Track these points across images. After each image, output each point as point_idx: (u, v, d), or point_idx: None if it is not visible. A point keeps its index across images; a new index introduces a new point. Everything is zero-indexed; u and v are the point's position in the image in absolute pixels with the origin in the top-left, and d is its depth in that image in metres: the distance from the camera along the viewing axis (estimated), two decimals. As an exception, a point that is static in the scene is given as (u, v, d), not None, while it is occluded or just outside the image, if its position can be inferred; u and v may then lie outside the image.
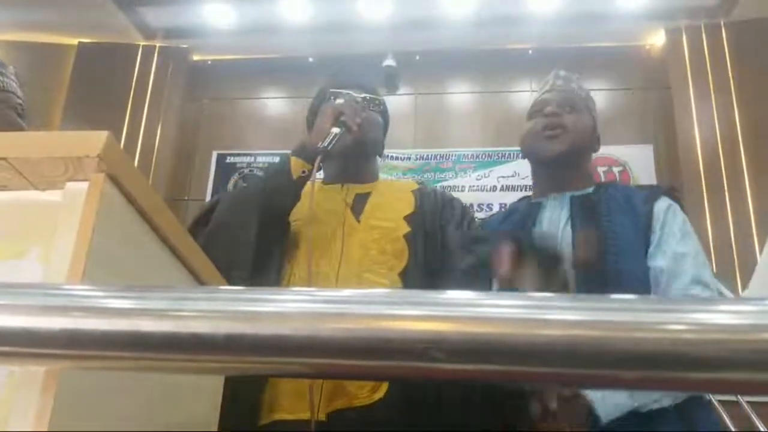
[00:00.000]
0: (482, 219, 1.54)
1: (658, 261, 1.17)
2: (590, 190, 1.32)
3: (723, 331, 0.32)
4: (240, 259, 1.09)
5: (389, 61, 4.61)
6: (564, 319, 0.33)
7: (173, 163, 4.70)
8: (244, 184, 1.24)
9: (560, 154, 1.30)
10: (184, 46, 4.90)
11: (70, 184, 0.53)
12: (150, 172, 4.46)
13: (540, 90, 1.44)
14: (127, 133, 4.55)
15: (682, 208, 1.28)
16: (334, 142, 1.15)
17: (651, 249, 1.20)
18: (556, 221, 1.28)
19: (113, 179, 0.54)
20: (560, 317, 0.34)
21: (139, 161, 4.43)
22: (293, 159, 1.17)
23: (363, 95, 1.32)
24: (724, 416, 2.45)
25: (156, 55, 4.80)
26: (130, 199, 0.58)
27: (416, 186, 1.32)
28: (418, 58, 4.78)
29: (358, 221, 1.19)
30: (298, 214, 1.19)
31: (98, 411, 0.53)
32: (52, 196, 0.55)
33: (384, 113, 1.38)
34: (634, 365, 0.32)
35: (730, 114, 4.25)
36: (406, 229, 1.17)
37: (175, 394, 0.72)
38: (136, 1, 4.47)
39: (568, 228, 1.25)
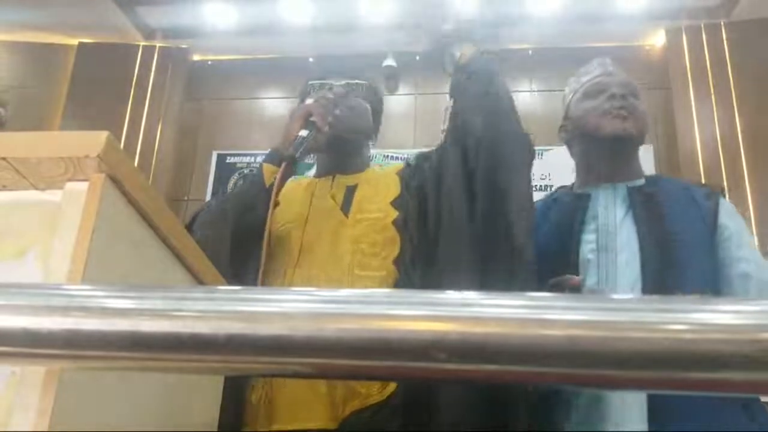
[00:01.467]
0: None
1: (742, 265, 1.15)
2: (643, 181, 1.27)
3: (724, 331, 0.31)
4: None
5: (389, 61, 4.61)
6: (565, 319, 0.33)
7: (173, 163, 4.69)
8: (223, 195, 1.18)
9: (630, 135, 1.25)
10: (184, 46, 4.89)
11: (70, 184, 0.53)
12: (150, 172, 4.46)
13: (588, 74, 1.37)
14: (127, 133, 4.55)
15: None
16: (302, 147, 1.12)
17: (730, 250, 1.16)
18: (612, 213, 1.22)
19: (113, 179, 0.54)
20: (561, 317, 0.34)
21: (139, 161, 4.43)
22: (265, 166, 1.15)
23: (343, 82, 1.27)
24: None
25: (156, 55, 4.80)
26: (130, 199, 0.58)
27: (401, 166, 1.25)
28: (418, 58, 4.77)
29: (347, 217, 1.16)
30: (289, 216, 1.17)
31: (98, 411, 0.53)
32: (52, 196, 0.55)
33: (371, 97, 1.32)
34: (635, 365, 0.32)
35: (730, 114, 4.24)
36: (393, 214, 1.13)
37: (175, 394, 0.72)
38: (136, 1, 4.46)
39: (628, 221, 1.19)
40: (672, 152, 4.39)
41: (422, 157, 1.24)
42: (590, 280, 1.17)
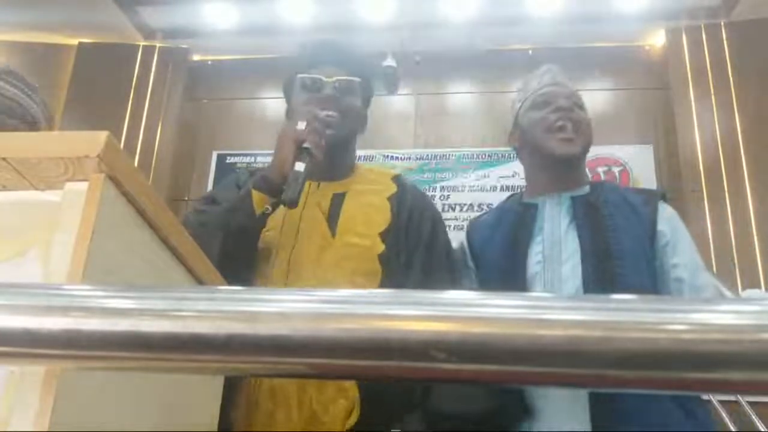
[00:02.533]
0: (473, 219, 1.47)
1: (677, 271, 1.16)
2: (587, 189, 1.29)
3: (723, 331, 0.32)
4: None
5: (389, 61, 4.61)
6: (564, 319, 0.33)
7: (173, 163, 4.69)
8: (205, 212, 1.08)
9: (574, 155, 1.27)
10: (184, 46, 4.90)
11: (70, 184, 0.53)
12: (150, 172, 4.46)
13: (536, 80, 1.37)
14: (127, 133, 4.55)
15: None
16: (299, 187, 1.02)
17: (666, 256, 1.17)
18: (557, 223, 1.24)
19: (113, 179, 0.54)
20: (561, 317, 0.34)
21: (139, 161, 4.43)
22: (255, 193, 1.08)
23: (336, 78, 1.19)
24: (724, 416, 2.46)
25: (156, 55, 4.80)
26: (130, 199, 0.58)
27: (394, 189, 1.22)
28: (418, 58, 4.77)
29: (333, 235, 1.12)
30: (272, 223, 1.12)
31: (98, 411, 0.53)
32: (52, 196, 0.55)
33: (363, 91, 1.26)
34: (634, 365, 0.32)
35: (730, 114, 4.25)
36: (380, 248, 1.11)
37: (175, 394, 0.72)
38: (136, 1, 4.47)
39: (572, 231, 1.22)
40: (672, 152, 4.39)
41: (416, 203, 1.23)
42: (536, 292, 1.18)
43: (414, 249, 1.15)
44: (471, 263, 1.34)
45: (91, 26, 4.64)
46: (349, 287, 1.03)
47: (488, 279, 1.27)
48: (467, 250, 1.36)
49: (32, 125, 1.44)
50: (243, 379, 1.02)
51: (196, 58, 5.03)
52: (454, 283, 1.17)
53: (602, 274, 1.14)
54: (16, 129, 1.38)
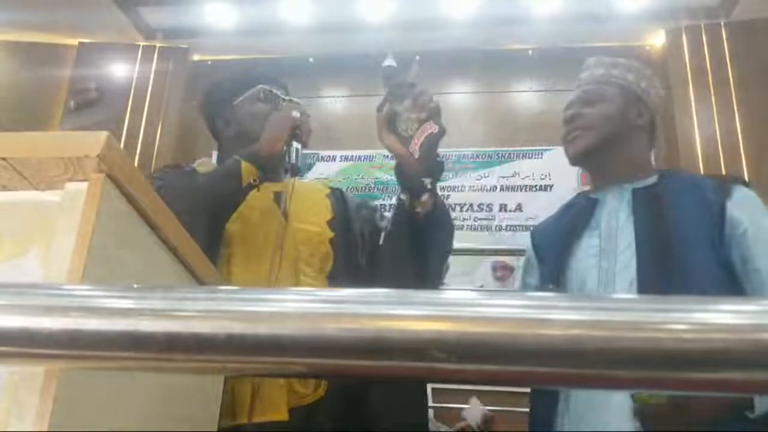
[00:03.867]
0: (540, 221, 1.47)
1: (759, 262, 1.09)
2: (653, 179, 1.25)
3: (724, 330, 0.31)
4: None
5: (389, 61, 4.60)
6: (565, 319, 0.33)
7: (173, 163, 4.69)
8: (187, 180, 1.19)
9: (579, 154, 1.28)
10: (184, 46, 4.89)
11: (70, 184, 0.53)
12: (150, 172, 4.46)
13: (580, 78, 1.41)
14: (127, 133, 4.55)
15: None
16: (299, 158, 1.17)
17: (743, 246, 1.10)
18: (614, 217, 1.22)
19: (113, 179, 0.54)
20: (561, 317, 0.34)
21: (139, 161, 4.43)
22: (244, 164, 1.15)
23: (288, 98, 1.35)
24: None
25: (156, 55, 4.80)
26: (130, 199, 0.58)
27: (328, 189, 1.37)
28: (418, 58, 4.77)
29: (286, 221, 1.21)
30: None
31: (98, 411, 0.53)
32: (52, 196, 0.55)
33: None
34: (635, 365, 0.32)
35: (730, 114, 4.25)
36: (330, 234, 1.24)
37: (175, 394, 0.72)
38: (136, 1, 4.46)
39: (630, 223, 1.19)
40: (672, 152, 4.39)
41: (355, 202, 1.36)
42: (591, 284, 1.18)
43: (359, 235, 1.28)
44: (534, 260, 1.36)
45: (91, 26, 4.63)
46: (307, 268, 1.17)
47: (546, 272, 1.27)
48: (530, 249, 1.38)
49: None
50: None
51: (196, 58, 5.03)
52: (390, 268, 1.23)
53: (659, 265, 1.11)
54: None
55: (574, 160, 1.31)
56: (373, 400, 1.09)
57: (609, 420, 1.08)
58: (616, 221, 1.22)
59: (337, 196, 1.35)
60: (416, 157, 1.09)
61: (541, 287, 1.28)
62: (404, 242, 1.15)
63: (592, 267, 1.19)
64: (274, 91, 1.35)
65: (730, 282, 1.09)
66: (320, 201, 1.31)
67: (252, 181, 1.14)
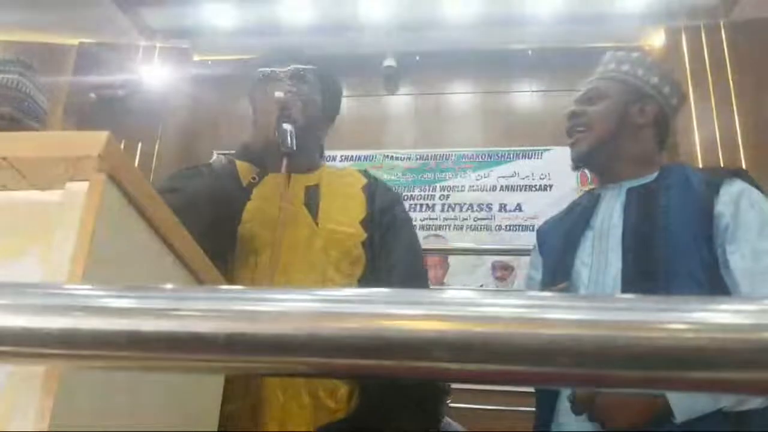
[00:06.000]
0: (548, 218, 1.47)
1: (738, 261, 1.05)
2: (652, 177, 1.23)
3: (724, 330, 0.31)
4: None
5: (389, 62, 4.60)
6: (565, 319, 0.33)
7: (173, 163, 4.69)
8: (184, 187, 1.09)
9: (581, 155, 1.29)
10: (185, 46, 4.89)
11: (70, 184, 0.53)
12: (150, 172, 4.46)
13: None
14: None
15: (760, 189, 1.13)
16: (293, 140, 1.07)
17: (727, 244, 1.07)
18: (608, 214, 1.22)
19: (113, 179, 0.54)
20: (562, 317, 0.34)
21: (139, 161, 4.43)
22: (240, 164, 1.09)
23: (287, 68, 1.21)
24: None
25: (156, 55, 4.80)
26: (130, 199, 0.58)
27: (364, 181, 1.25)
28: (418, 58, 4.77)
29: (316, 223, 1.14)
30: (248, 215, 1.13)
31: (98, 411, 0.53)
32: (52, 196, 0.55)
33: (321, 81, 1.26)
34: (635, 365, 0.32)
35: (729, 114, 4.25)
36: (363, 235, 1.15)
37: (175, 394, 0.72)
38: (136, 1, 4.46)
39: (621, 221, 1.18)
40: (672, 152, 4.39)
41: (388, 194, 1.26)
42: (583, 283, 1.18)
43: (387, 237, 1.18)
44: (539, 257, 1.37)
45: (91, 26, 4.63)
46: (336, 274, 1.10)
47: (551, 269, 1.28)
48: (536, 245, 1.40)
49: (44, 121, 1.43)
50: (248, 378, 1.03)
51: (196, 58, 5.03)
52: (421, 273, 1.20)
53: (643, 262, 1.10)
54: (32, 129, 1.37)
55: (577, 163, 1.32)
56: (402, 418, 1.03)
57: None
58: (609, 221, 1.22)
59: (373, 188, 1.24)
60: None
61: (543, 283, 1.29)
62: None
63: (587, 266, 1.19)
64: (270, 69, 1.22)
65: (717, 284, 1.07)
66: (354, 196, 1.21)
67: (252, 179, 1.09)
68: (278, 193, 1.14)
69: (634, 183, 1.25)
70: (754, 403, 0.98)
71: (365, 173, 1.29)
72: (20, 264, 0.52)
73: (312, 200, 1.17)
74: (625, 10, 4.37)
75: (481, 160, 4.51)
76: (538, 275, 1.34)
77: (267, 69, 1.22)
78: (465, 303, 0.36)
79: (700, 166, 4.21)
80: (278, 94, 1.12)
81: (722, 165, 4.16)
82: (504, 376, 0.35)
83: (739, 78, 4.29)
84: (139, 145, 4.54)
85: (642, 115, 1.28)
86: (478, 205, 4.30)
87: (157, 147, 4.60)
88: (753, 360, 0.31)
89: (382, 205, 1.20)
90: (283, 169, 1.10)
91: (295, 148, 1.08)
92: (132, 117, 4.06)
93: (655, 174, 1.25)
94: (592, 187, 1.41)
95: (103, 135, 0.53)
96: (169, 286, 0.40)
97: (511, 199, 4.24)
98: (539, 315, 0.34)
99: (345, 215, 1.16)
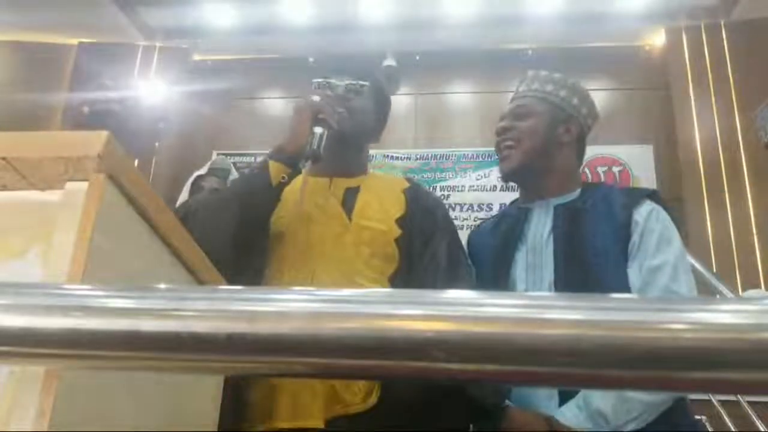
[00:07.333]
0: (477, 226, 1.50)
1: (633, 277, 1.12)
2: (576, 194, 1.29)
3: (724, 330, 0.31)
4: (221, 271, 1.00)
5: (389, 61, 4.61)
6: (565, 319, 0.33)
7: (173, 163, 4.69)
8: (219, 190, 1.13)
9: (511, 171, 1.31)
10: (184, 46, 4.90)
11: (70, 184, 0.53)
12: (150, 172, 4.46)
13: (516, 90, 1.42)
14: (127, 133, 4.55)
15: (668, 210, 1.21)
16: (321, 143, 1.09)
17: (629, 260, 1.14)
18: (539, 232, 1.25)
19: (113, 179, 0.54)
20: (561, 317, 0.34)
21: (139, 161, 4.43)
22: (272, 163, 1.11)
23: (344, 83, 1.24)
24: (724, 416, 2.46)
25: (156, 55, 4.80)
26: (130, 199, 0.58)
27: (407, 185, 1.27)
28: (418, 58, 4.78)
29: (350, 220, 1.15)
30: (283, 211, 1.16)
31: (98, 411, 0.53)
32: (52, 196, 0.55)
33: (374, 96, 1.29)
34: (635, 365, 0.32)
35: (730, 114, 4.25)
36: (397, 232, 1.14)
37: (175, 394, 0.72)
38: (136, 1, 4.47)
39: (551, 238, 1.22)
40: (672, 152, 4.39)
41: (429, 198, 1.28)
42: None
43: (429, 239, 1.17)
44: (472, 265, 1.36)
45: (91, 26, 4.64)
46: (366, 270, 1.10)
47: (482, 280, 1.28)
48: (468, 252, 1.38)
49: None
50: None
51: (196, 58, 5.03)
52: (465, 277, 1.18)
53: (574, 280, 1.14)
54: None
55: (506, 177, 1.34)
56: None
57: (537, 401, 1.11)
58: (541, 237, 1.25)
59: (414, 191, 1.25)
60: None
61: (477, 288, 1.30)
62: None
63: (522, 280, 1.22)
64: (329, 81, 1.24)
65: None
66: (393, 196, 1.21)
67: (282, 179, 1.10)
68: (307, 191, 1.17)
69: (561, 200, 1.28)
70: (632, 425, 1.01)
71: (409, 179, 1.32)
72: (20, 264, 0.52)
73: (350, 200, 1.19)
74: (625, 10, 4.38)
75: (481, 160, 4.51)
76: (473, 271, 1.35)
77: (323, 80, 1.25)
78: (465, 303, 0.36)
79: (701, 165, 4.22)
80: (314, 98, 1.15)
81: (722, 164, 4.16)
82: (503, 376, 0.35)
83: (740, 78, 4.29)
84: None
85: (567, 134, 1.32)
86: (478, 205, 4.30)
87: (156, 146, 4.60)
88: (753, 360, 0.31)
89: (423, 208, 1.21)
90: (306, 170, 1.13)
91: (322, 151, 1.10)
92: (125, 136, 4.06)
93: (578, 191, 1.30)
94: (517, 199, 1.42)
95: (102, 135, 0.53)
96: (169, 286, 0.40)
97: (511, 198, 4.24)
98: (539, 315, 0.34)
99: (380, 213, 1.17)
